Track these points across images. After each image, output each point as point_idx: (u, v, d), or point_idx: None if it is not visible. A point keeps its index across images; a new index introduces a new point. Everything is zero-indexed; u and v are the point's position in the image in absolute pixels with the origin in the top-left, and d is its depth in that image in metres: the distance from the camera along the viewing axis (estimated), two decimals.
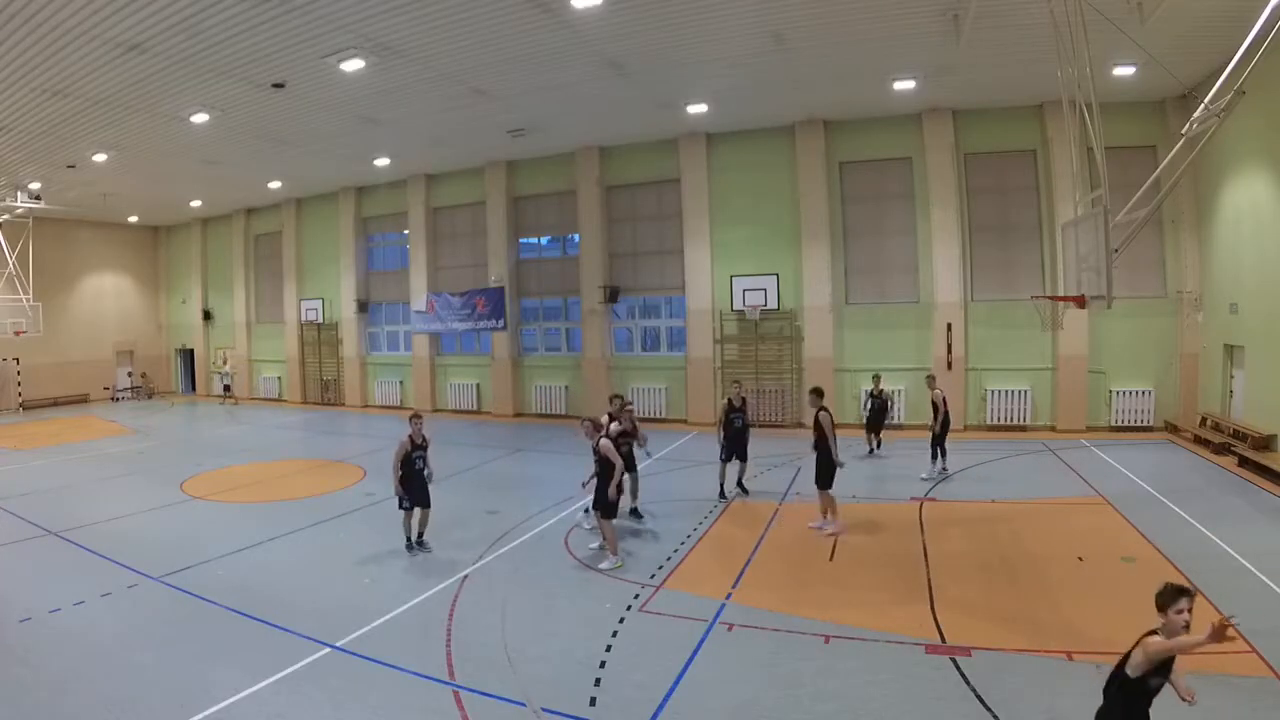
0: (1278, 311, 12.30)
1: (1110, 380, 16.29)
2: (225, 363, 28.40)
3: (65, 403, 27.51)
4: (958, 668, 5.77)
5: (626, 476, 9.48)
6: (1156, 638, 3.62)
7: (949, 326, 16.93)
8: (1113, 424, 16.22)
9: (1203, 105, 7.57)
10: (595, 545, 8.95)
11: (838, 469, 9.59)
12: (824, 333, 17.96)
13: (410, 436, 9.02)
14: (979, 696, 5.31)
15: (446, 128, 17.71)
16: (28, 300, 24.01)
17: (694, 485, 12.50)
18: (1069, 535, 9.17)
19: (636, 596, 7.48)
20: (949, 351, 16.95)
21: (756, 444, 16.22)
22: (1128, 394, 16.18)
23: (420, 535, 9.24)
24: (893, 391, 16.00)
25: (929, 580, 7.74)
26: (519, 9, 10.98)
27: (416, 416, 9.34)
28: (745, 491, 11.63)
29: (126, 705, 5.46)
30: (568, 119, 17.38)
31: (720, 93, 15.74)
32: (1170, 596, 3.66)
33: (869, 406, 14.84)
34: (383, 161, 21.12)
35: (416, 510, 9.12)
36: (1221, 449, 13.26)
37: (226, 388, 27.65)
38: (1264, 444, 12.29)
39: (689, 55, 13.33)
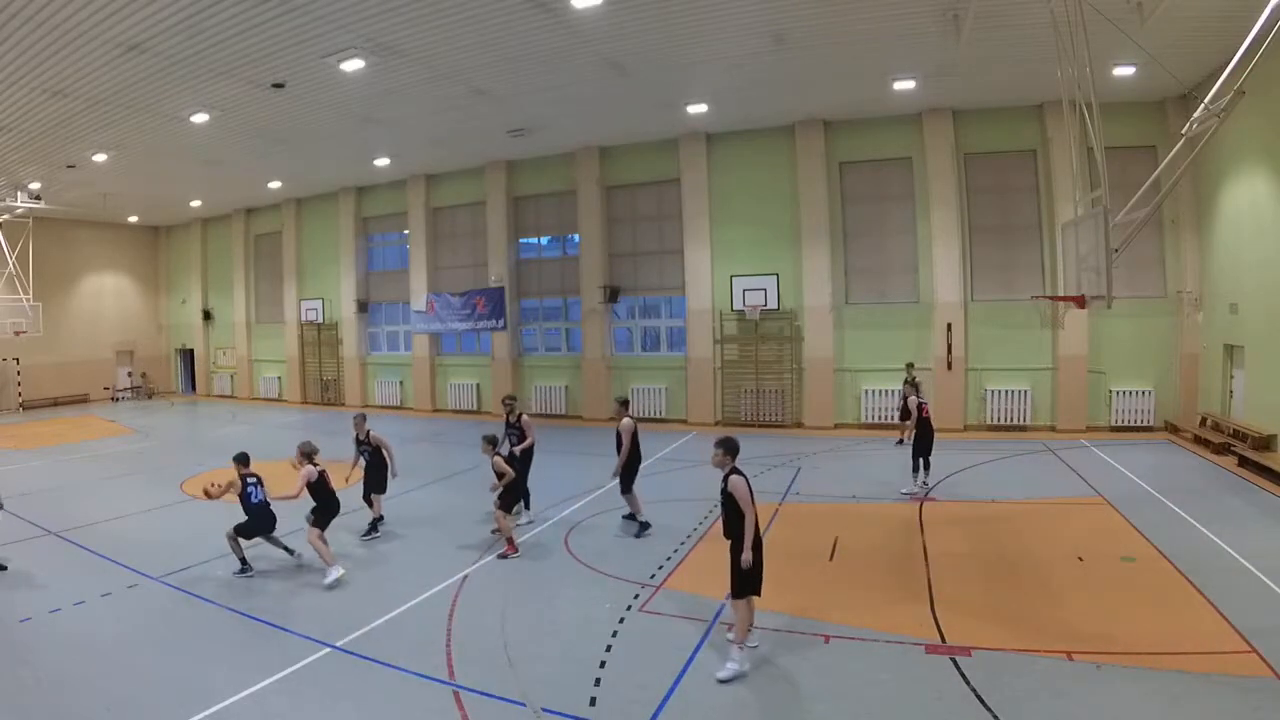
0: (1278, 311, 12.30)
1: (1110, 380, 16.29)
2: (144, 376, 29.65)
3: (65, 403, 27.51)
4: (958, 668, 5.77)
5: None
6: None
7: (949, 326, 16.93)
8: (1113, 424, 16.22)
9: (1203, 105, 7.57)
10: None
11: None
12: (824, 333, 17.96)
13: (355, 436, 10.32)
14: (979, 696, 5.30)
15: (446, 128, 17.71)
16: (28, 300, 24.01)
17: (694, 485, 12.50)
18: (1069, 535, 9.17)
19: (636, 596, 7.47)
20: (949, 351, 16.95)
21: (757, 444, 16.30)
22: (1128, 394, 16.17)
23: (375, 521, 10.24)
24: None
25: (929, 580, 7.74)
26: (519, 9, 10.98)
27: (360, 416, 10.77)
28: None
29: (126, 705, 5.45)
30: (568, 119, 17.38)
31: (720, 93, 15.74)
32: None
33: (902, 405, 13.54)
34: (383, 161, 21.13)
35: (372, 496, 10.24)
36: (1221, 449, 13.25)
37: (138, 388, 28.48)
38: (1264, 444, 12.29)
39: (689, 55, 13.33)
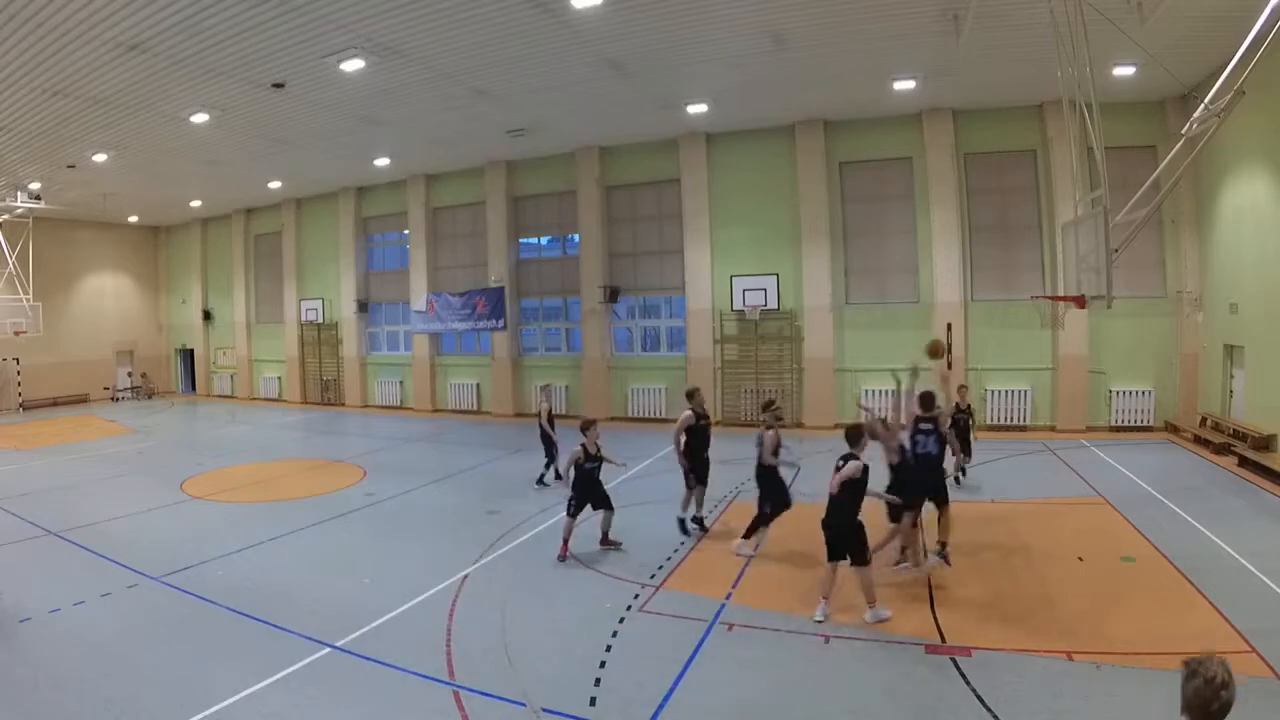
0: (1278, 311, 12.29)
1: (1110, 380, 16.29)
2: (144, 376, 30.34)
3: (65, 403, 27.50)
4: (958, 668, 5.77)
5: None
6: None
7: (949, 326, 16.91)
8: (1113, 424, 16.21)
9: (1203, 105, 7.58)
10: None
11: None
12: (824, 333, 17.96)
13: (584, 446, 8.77)
14: (979, 696, 5.30)
15: (446, 128, 17.70)
16: (28, 300, 24.00)
17: None
18: (1069, 535, 9.16)
19: (636, 596, 7.47)
20: (949, 351, 16.92)
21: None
22: (1128, 394, 16.17)
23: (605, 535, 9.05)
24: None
25: (929, 580, 7.74)
26: (519, 9, 10.98)
27: (589, 425, 9.06)
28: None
29: (126, 705, 5.45)
30: (568, 119, 17.38)
31: (720, 93, 15.73)
32: None
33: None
34: (383, 161, 21.12)
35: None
36: (1221, 449, 13.25)
37: (138, 388, 29.30)
38: (1264, 444, 12.29)
39: (689, 55, 13.32)
